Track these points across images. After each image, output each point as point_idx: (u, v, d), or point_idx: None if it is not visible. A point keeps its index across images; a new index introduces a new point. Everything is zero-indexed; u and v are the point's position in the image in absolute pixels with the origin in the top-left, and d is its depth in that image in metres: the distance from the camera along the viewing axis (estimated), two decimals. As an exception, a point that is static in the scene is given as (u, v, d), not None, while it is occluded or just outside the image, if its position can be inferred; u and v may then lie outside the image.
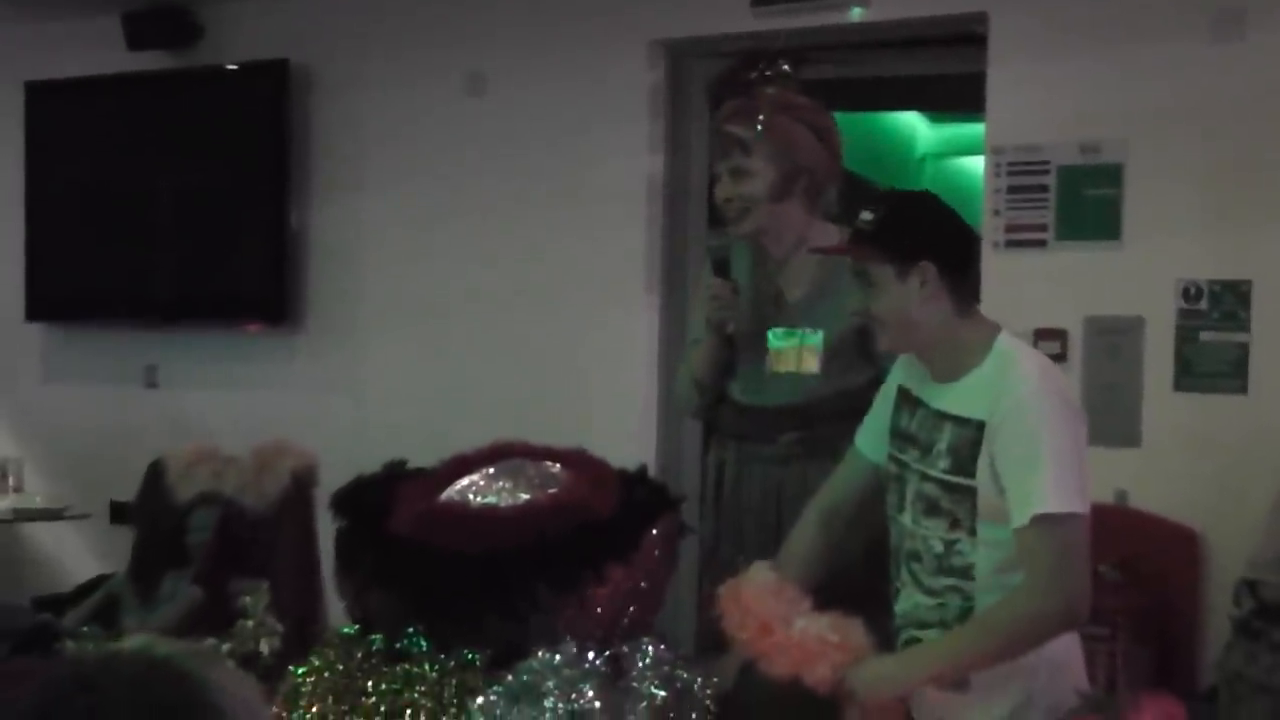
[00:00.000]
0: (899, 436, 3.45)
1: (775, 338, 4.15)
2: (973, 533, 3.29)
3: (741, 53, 4.50)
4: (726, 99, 4.27)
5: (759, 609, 3.33)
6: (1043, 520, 3.15)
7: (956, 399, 3.33)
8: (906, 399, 3.46)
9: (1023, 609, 3.21)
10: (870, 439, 3.58)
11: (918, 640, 3.40)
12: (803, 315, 4.12)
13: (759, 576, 3.42)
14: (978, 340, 3.35)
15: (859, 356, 3.99)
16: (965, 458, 3.28)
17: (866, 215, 3.39)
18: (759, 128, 4.08)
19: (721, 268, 4.17)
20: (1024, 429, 3.22)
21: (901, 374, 3.52)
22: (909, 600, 3.43)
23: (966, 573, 3.31)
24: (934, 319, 3.33)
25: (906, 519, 3.41)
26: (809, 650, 3.24)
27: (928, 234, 3.38)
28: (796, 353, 4.10)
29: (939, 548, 3.34)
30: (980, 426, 3.26)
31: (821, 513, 3.65)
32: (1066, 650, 3.37)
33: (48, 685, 1.56)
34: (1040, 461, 3.18)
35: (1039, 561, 3.17)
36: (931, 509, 3.36)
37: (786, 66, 4.25)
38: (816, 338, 4.08)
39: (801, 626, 3.28)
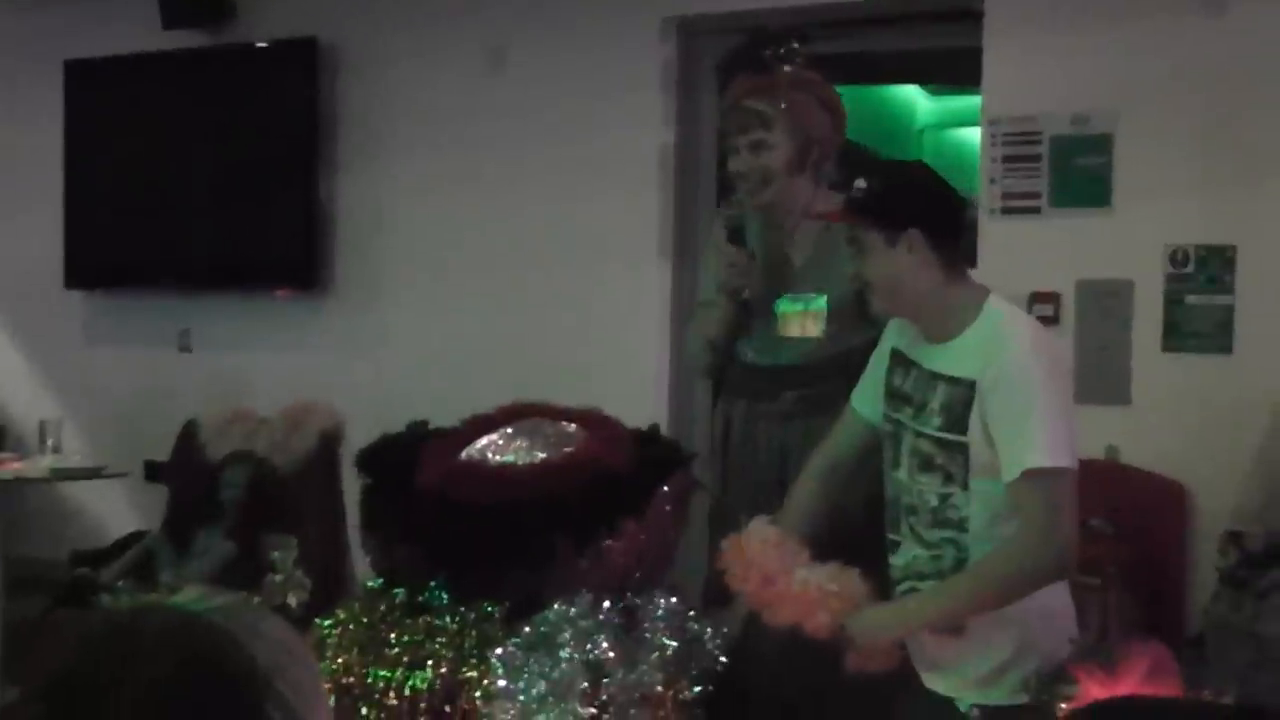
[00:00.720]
0: (894, 396, 3.54)
1: (783, 303, 4.26)
2: (965, 487, 3.37)
3: (751, 30, 4.56)
4: (740, 75, 4.37)
5: (762, 561, 3.43)
6: (1033, 474, 3.24)
7: (948, 359, 3.42)
8: (900, 360, 3.55)
9: (1015, 559, 3.31)
10: (865, 399, 3.67)
11: (916, 591, 3.48)
12: (807, 279, 4.23)
13: (761, 530, 3.51)
14: (967, 303, 3.44)
15: (858, 319, 4.06)
16: (957, 415, 3.36)
17: (860, 184, 3.50)
18: (781, 103, 4.19)
19: (736, 236, 4.27)
20: (1014, 387, 3.30)
21: (895, 336, 3.61)
22: (907, 553, 3.51)
23: (961, 525, 3.39)
24: (922, 283, 3.42)
25: (902, 474, 3.49)
26: (810, 600, 3.35)
27: (915, 203, 3.47)
28: (802, 317, 4.21)
29: (934, 502, 3.43)
30: (972, 385, 3.34)
31: (820, 469, 3.74)
32: (1057, 599, 3.46)
33: (84, 636, 1.54)
34: (1030, 418, 3.27)
35: (1030, 514, 3.27)
36: (926, 465, 3.44)
37: (796, 44, 4.35)
38: (821, 302, 4.19)
39: (802, 577, 3.39)
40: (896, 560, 3.55)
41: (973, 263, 5.37)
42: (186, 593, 1.62)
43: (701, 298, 4.53)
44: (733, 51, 4.51)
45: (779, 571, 3.42)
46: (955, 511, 3.41)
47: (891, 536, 3.57)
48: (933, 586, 3.45)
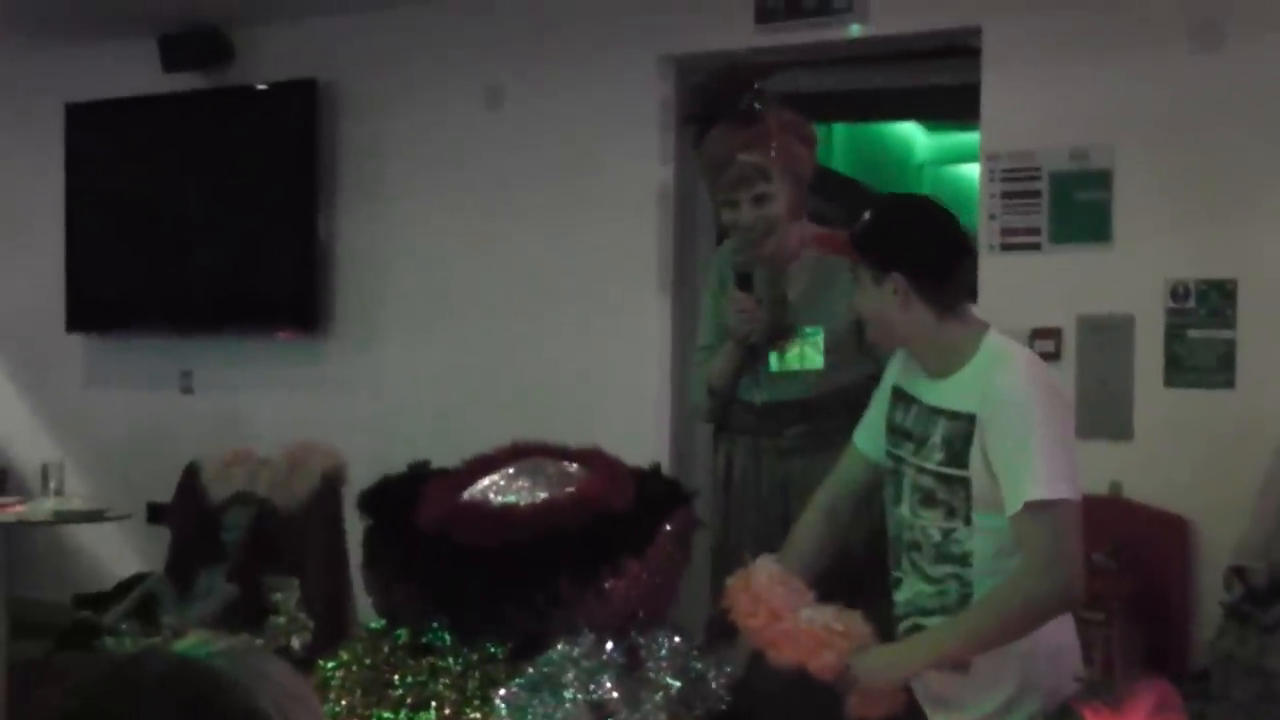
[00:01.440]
0: (895, 432, 3.52)
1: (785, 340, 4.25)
2: (968, 521, 3.35)
3: (716, 74, 4.54)
4: (724, 127, 4.25)
5: (769, 598, 3.39)
6: (1035, 507, 3.20)
7: (948, 394, 3.40)
8: (901, 396, 3.53)
9: (1020, 592, 3.25)
10: (867, 436, 3.65)
11: (920, 627, 3.45)
12: (803, 312, 4.22)
13: (767, 567, 3.48)
14: (964, 339, 3.42)
15: (857, 351, 4.05)
16: (958, 450, 3.34)
17: (865, 218, 3.50)
18: (772, 152, 4.17)
19: (745, 282, 4.24)
20: (1013, 420, 3.28)
21: (896, 373, 3.60)
22: (911, 589, 3.49)
23: (964, 560, 3.37)
24: (910, 323, 3.41)
25: (905, 510, 3.47)
26: (817, 638, 3.31)
27: (898, 247, 3.44)
28: (799, 349, 4.20)
29: (937, 537, 3.40)
30: (971, 419, 3.32)
31: (823, 507, 3.71)
32: (1063, 635, 3.44)
33: (85, 680, 1.55)
34: (1030, 450, 3.24)
35: (1034, 546, 3.23)
36: (928, 500, 3.42)
37: (759, 86, 4.26)
38: (817, 332, 4.17)
39: (809, 616, 3.35)
40: (899, 596, 3.53)
41: (973, 299, 5.39)
42: (191, 638, 1.62)
43: (701, 342, 4.50)
44: (700, 97, 4.45)
45: (785, 609, 3.39)
46: (958, 546, 3.39)
47: (894, 573, 3.55)
48: (938, 624, 3.42)
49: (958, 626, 3.37)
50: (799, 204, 4.26)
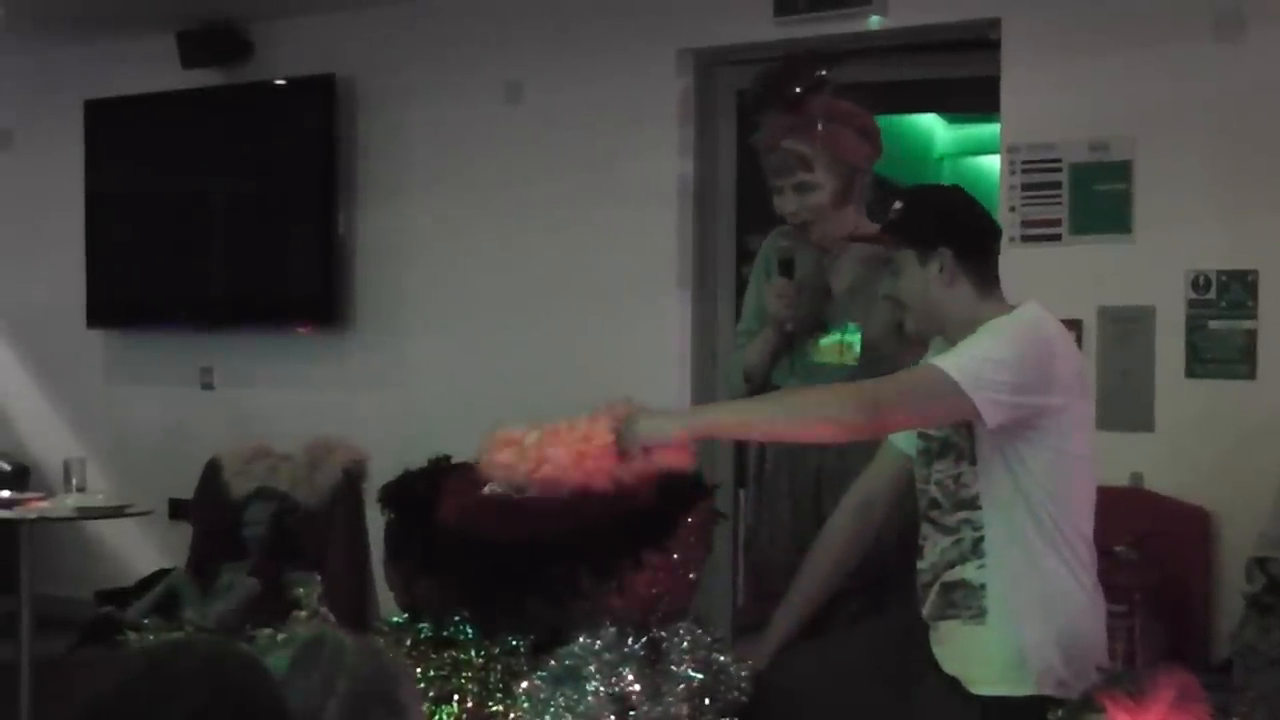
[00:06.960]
0: None
1: (822, 332, 4.26)
2: (974, 461, 3.40)
3: (778, 60, 4.54)
4: (773, 114, 4.28)
5: (505, 436, 3.48)
6: (929, 366, 3.33)
7: None
8: None
9: (828, 392, 3.41)
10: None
11: (946, 584, 3.46)
12: (848, 306, 4.23)
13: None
14: (998, 316, 3.46)
15: (896, 347, 4.04)
16: None
17: (896, 205, 3.59)
18: (818, 140, 4.17)
19: (787, 268, 4.25)
20: (980, 331, 3.37)
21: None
22: (934, 549, 3.50)
23: (973, 503, 3.41)
24: (953, 300, 3.47)
25: (928, 473, 3.53)
26: (575, 428, 3.37)
27: (944, 222, 3.53)
28: (838, 346, 4.20)
29: (950, 485, 3.45)
30: None
31: (856, 503, 3.76)
32: (1088, 625, 3.45)
33: (124, 667, 1.57)
34: (972, 345, 3.32)
35: (893, 377, 3.39)
36: (943, 450, 3.48)
37: (824, 73, 4.26)
38: (856, 330, 4.18)
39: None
40: (924, 562, 3.55)
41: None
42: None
43: (742, 326, 4.51)
44: (759, 82, 4.44)
45: (527, 429, 3.44)
46: (966, 490, 3.43)
47: (920, 543, 3.57)
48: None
49: (747, 401, 3.59)
50: (847, 193, 4.24)
